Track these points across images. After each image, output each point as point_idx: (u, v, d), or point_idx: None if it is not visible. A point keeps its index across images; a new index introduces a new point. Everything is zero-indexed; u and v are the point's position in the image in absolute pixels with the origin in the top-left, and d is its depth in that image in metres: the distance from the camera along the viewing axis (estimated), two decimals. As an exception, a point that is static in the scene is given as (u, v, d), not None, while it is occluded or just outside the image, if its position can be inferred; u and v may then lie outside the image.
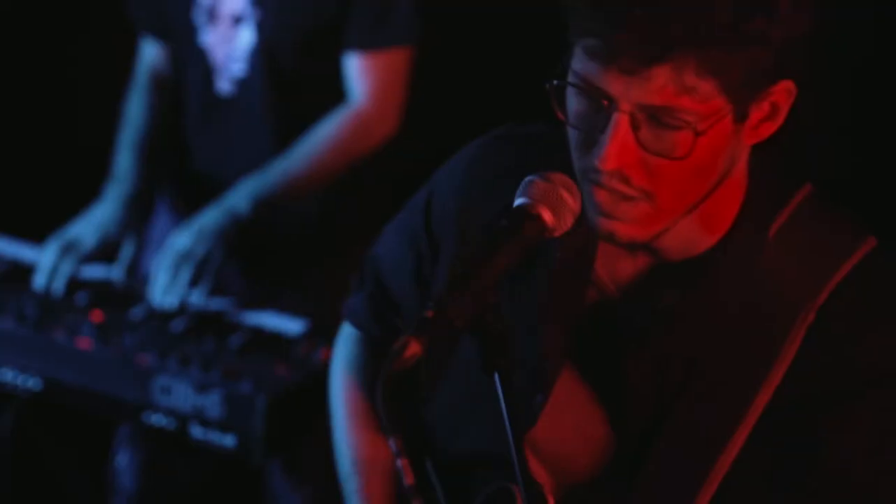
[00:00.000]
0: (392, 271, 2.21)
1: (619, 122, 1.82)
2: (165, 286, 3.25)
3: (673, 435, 1.92)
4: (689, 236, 1.94)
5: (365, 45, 3.40)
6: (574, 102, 1.87)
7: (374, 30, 3.39)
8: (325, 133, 3.41)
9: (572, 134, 1.90)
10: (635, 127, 1.82)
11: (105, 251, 3.44)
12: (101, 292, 3.34)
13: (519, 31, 3.67)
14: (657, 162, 1.83)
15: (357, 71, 3.42)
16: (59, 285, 3.34)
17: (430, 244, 2.14)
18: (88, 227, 3.44)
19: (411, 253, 2.17)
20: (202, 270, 3.27)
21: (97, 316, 3.24)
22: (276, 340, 3.19)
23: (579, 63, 1.84)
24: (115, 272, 3.41)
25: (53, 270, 3.35)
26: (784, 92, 1.86)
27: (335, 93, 3.45)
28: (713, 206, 1.92)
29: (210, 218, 3.33)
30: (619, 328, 1.98)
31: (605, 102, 1.82)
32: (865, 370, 1.88)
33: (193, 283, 3.26)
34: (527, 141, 2.11)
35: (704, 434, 1.90)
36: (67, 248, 3.38)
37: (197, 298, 3.25)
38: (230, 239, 3.31)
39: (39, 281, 3.35)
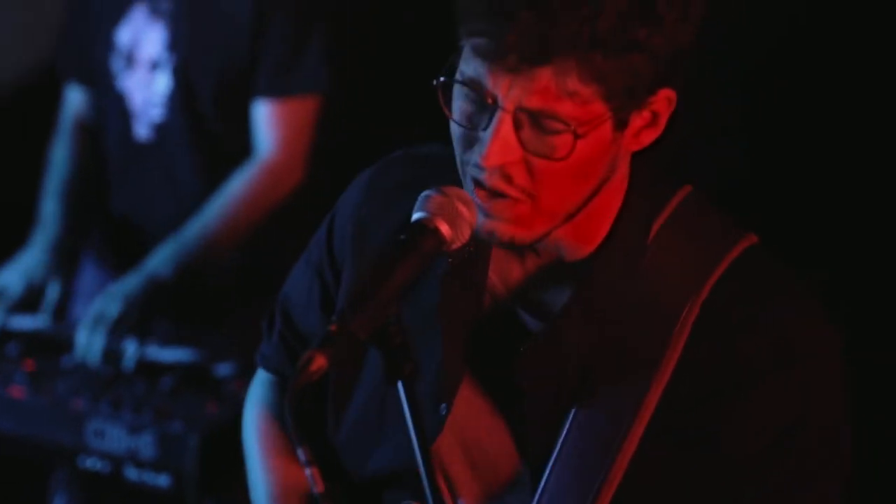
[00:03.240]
0: (300, 306, 2.23)
1: (503, 121, 1.86)
2: (83, 346, 3.29)
3: (571, 440, 1.95)
4: (572, 240, 1.97)
5: (272, 91, 3.43)
6: (460, 100, 1.91)
7: (282, 76, 3.42)
8: (237, 189, 3.44)
9: (456, 129, 1.93)
10: (518, 126, 1.86)
11: (31, 297, 3.48)
12: (32, 342, 3.39)
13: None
14: (538, 162, 1.87)
15: (265, 119, 3.45)
16: None
17: (333, 271, 2.18)
18: (14, 274, 3.49)
19: (317, 284, 2.20)
20: (114, 331, 3.29)
21: (29, 365, 3.29)
22: (206, 381, 3.23)
23: (467, 62, 1.87)
24: (40, 319, 3.45)
25: None
26: (665, 100, 1.89)
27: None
28: (595, 210, 1.94)
29: (129, 283, 3.37)
30: (512, 333, 2.01)
31: (490, 101, 1.86)
32: (752, 362, 1.91)
33: (106, 341, 3.28)
34: (419, 161, 2.15)
35: (599, 437, 1.93)
36: None
37: (130, 356, 3.29)
38: (151, 302, 3.35)
39: None
